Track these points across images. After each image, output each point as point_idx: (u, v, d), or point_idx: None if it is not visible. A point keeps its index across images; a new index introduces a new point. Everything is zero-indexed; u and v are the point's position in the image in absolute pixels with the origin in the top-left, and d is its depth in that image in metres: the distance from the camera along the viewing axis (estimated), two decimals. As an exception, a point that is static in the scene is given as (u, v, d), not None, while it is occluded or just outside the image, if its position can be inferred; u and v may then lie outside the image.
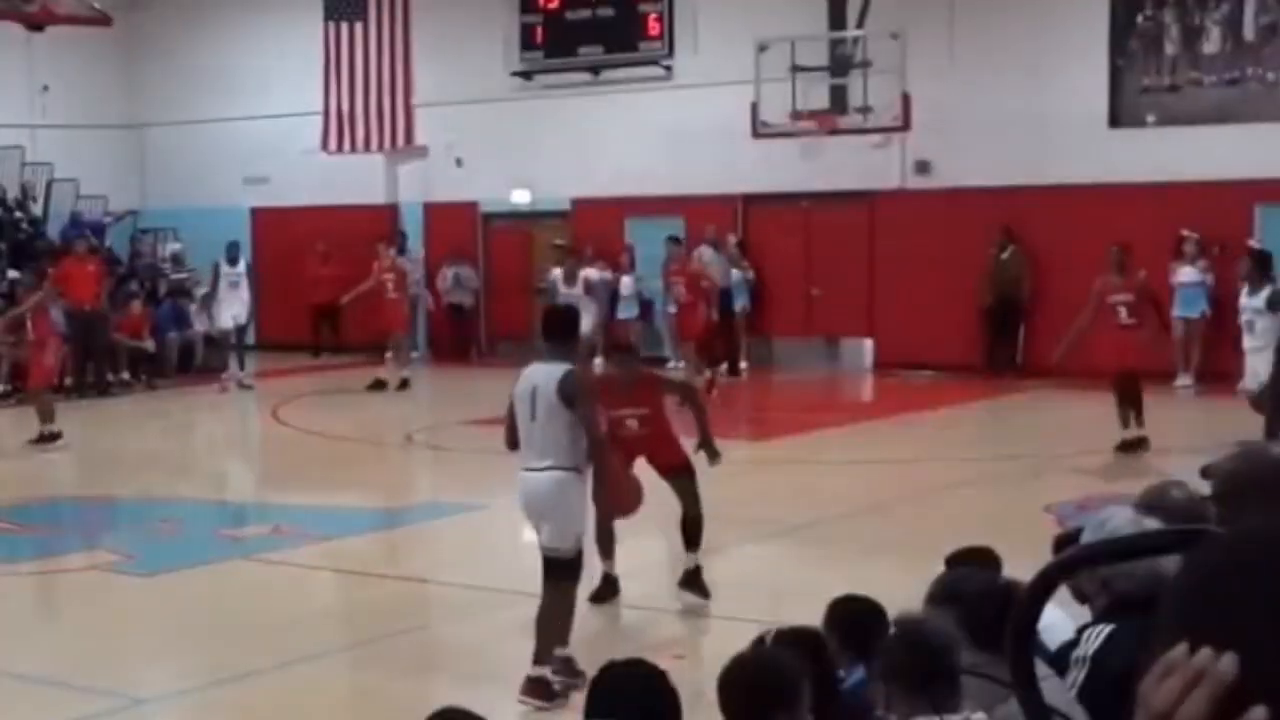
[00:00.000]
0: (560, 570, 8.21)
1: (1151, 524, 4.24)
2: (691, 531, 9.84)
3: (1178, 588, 1.30)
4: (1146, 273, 16.02)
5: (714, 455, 10.03)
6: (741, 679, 4.50)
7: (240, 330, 22.80)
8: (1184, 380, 19.43)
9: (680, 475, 9.84)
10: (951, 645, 4.03)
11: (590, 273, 23.00)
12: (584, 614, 10.13)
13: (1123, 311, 14.80)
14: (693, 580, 9.88)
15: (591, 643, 8.80)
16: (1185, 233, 19.40)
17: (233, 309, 22.56)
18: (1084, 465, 14.69)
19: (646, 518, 12.77)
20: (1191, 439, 14.66)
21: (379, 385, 21.23)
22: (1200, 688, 1.21)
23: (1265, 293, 14.67)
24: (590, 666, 4.75)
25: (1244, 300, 15.04)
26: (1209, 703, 1.21)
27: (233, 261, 23.02)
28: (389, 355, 21.75)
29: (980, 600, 4.26)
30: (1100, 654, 4.12)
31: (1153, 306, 15.95)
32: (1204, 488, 4.59)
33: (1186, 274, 19.54)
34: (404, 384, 21.37)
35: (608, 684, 4.57)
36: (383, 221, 25.86)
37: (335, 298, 25.31)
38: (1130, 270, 15.21)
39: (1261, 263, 15.54)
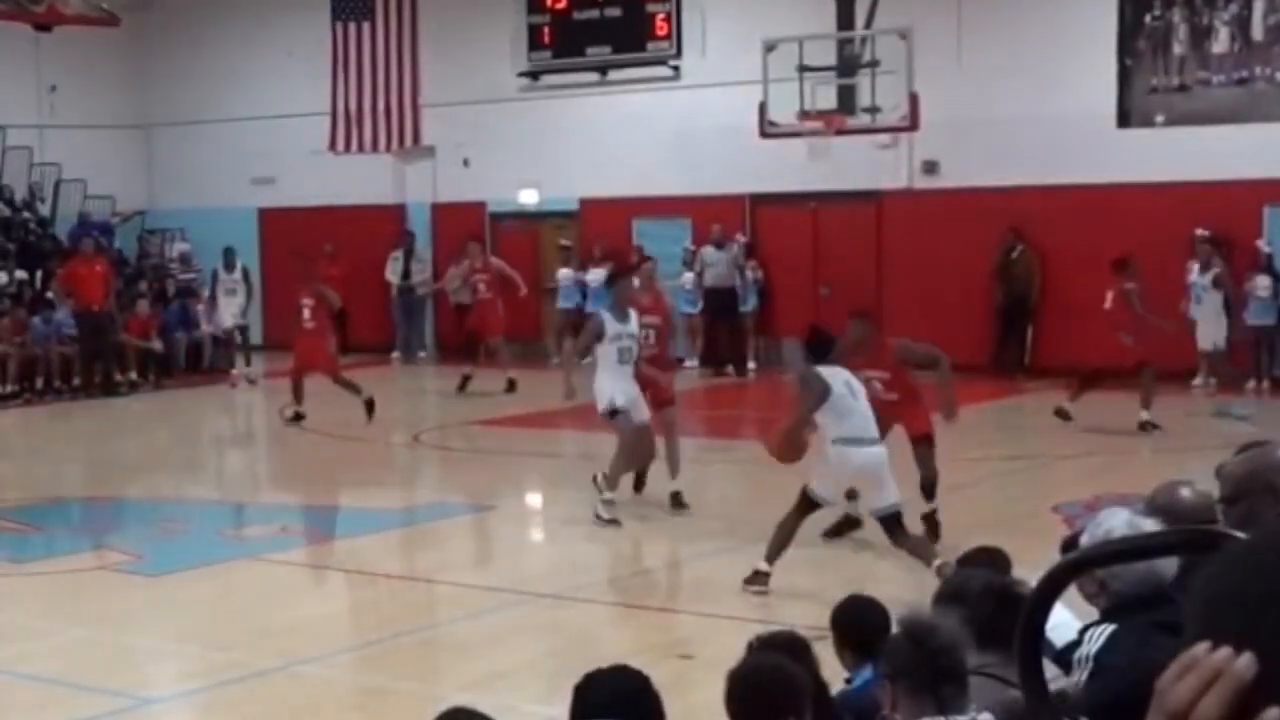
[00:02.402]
0: (898, 518, 9.95)
1: (1149, 525, 4.24)
2: (929, 489, 11.28)
3: (1199, 589, 1.29)
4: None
5: (951, 415, 11.41)
6: (751, 687, 4.48)
7: (241, 330, 23.14)
8: (1200, 380, 19.39)
9: (921, 443, 11.31)
10: (956, 645, 4.02)
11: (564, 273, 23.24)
12: (588, 613, 10.13)
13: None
14: (929, 521, 11.12)
15: (596, 642, 8.80)
16: (1199, 232, 19.36)
17: (230, 311, 22.97)
18: (1092, 465, 14.67)
19: (651, 520, 12.78)
20: (1207, 437, 14.64)
21: (512, 386, 20.58)
22: (1217, 687, 1.21)
23: (1213, 273, 18.10)
24: (595, 665, 4.72)
25: (1195, 278, 18.29)
26: (1225, 702, 1.20)
27: (229, 267, 23.34)
28: (491, 357, 21.22)
29: (983, 599, 4.25)
30: (1102, 654, 4.12)
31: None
32: (1216, 488, 4.58)
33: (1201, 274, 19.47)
34: (511, 386, 20.51)
35: (591, 690, 4.54)
36: (390, 222, 25.89)
37: (342, 298, 25.31)
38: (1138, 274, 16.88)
39: (1218, 245, 18.31)
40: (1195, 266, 18.48)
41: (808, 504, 9.98)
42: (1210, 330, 18.33)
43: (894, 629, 4.78)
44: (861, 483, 10.11)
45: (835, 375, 10.02)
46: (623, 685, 4.55)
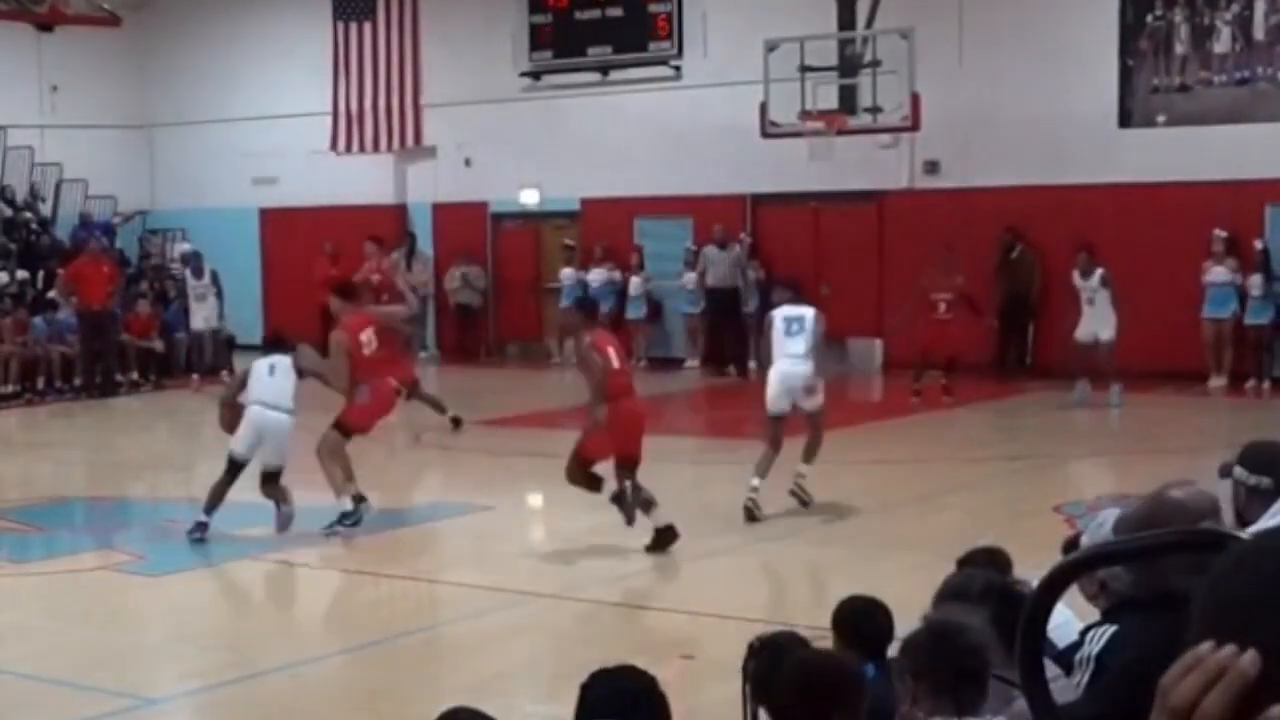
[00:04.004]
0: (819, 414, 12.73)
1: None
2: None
3: (1203, 589, 1.29)
4: (964, 277, 19.26)
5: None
6: (808, 676, 4.44)
7: (214, 334, 22.91)
8: (1217, 381, 19.38)
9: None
10: (983, 647, 4.00)
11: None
12: (589, 613, 10.13)
13: (941, 306, 18.90)
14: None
15: (598, 642, 8.79)
16: (1218, 231, 19.35)
17: (202, 315, 22.82)
18: (1093, 465, 14.67)
19: (646, 516, 12.76)
20: (1220, 438, 14.62)
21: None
22: (1221, 684, 1.21)
23: (1098, 275, 18.34)
24: (595, 665, 4.71)
25: (1079, 283, 18.53)
26: (1229, 699, 1.20)
27: (198, 274, 23.18)
28: None
29: (983, 600, 4.24)
30: (1103, 654, 4.11)
31: (968, 304, 19.41)
32: (1219, 488, 4.57)
33: (1217, 274, 19.43)
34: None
35: (597, 691, 4.53)
36: (392, 222, 25.88)
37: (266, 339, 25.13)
38: (953, 273, 19.09)
39: (1093, 255, 18.66)
40: (1076, 274, 18.56)
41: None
42: (1094, 325, 18.24)
43: (902, 627, 4.77)
44: (794, 391, 12.59)
45: (790, 312, 12.95)
46: (629, 685, 4.53)
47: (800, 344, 12.60)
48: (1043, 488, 13.56)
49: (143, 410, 20.97)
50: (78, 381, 21.59)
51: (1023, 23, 20.85)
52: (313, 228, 25.67)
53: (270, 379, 12.37)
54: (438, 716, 4.36)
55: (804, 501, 12.62)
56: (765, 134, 20.74)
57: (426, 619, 10.39)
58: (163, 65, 27.93)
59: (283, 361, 12.55)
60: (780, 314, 12.96)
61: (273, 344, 13.11)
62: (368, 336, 12.68)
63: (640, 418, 11.63)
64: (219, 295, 23.33)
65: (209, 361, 23.96)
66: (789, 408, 12.59)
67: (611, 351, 11.55)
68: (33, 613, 10.37)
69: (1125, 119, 20.43)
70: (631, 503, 11.29)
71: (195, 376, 22.69)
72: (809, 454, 12.68)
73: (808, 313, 12.90)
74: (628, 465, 11.27)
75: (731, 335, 22.92)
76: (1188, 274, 19.48)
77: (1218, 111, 19.85)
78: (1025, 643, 1.60)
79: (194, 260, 23.47)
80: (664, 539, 11.29)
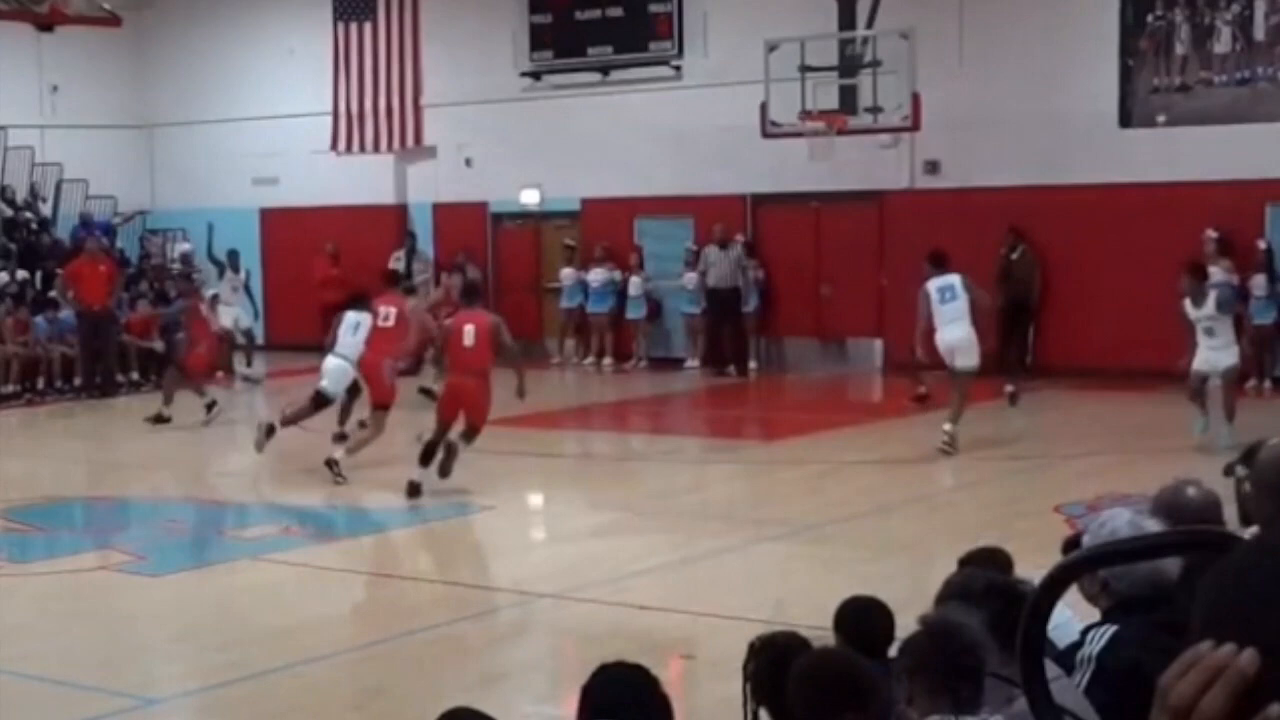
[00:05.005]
0: (971, 376, 15.07)
1: (1151, 525, 4.23)
2: None
3: (1204, 589, 1.29)
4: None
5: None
6: (821, 674, 4.43)
7: (247, 331, 23.32)
8: (1213, 381, 19.32)
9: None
10: (978, 645, 4.00)
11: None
12: (591, 613, 10.13)
13: None
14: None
15: (598, 642, 8.79)
16: (1210, 232, 19.33)
17: (232, 315, 23.25)
18: (1094, 465, 14.65)
19: (651, 519, 12.79)
20: (1215, 438, 14.62)
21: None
22: (1220, 683, 1.21)
23: (1212, 299, 15.46)
24: (595, 665, 4.71)
25: (1194, 313, 15.51)
26: (1228, 698, 1.20)
27: (236, 269, 23.56)
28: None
29: (985, 599, 4.24)
30: (1104, 654, 4.11)
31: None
32: (1219, 487, 4.58)
33: (1212, 274, 19.38)
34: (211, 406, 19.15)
35: (600, 686, 4.53)
36: (392, 221, 25.90)
37: (344, 298, 25.32)
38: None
39: (1201, 277, 15.93)
40: (1186, 303, 15.72)
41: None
42: (1216, 354, 15.74)
43: (903, 627, 4.77)
44: (953, 347, 15.00)
45: (945, 281, 15.05)
46: (630, 683, 4.53)
47: (956, 310, 14.69)
48: (1043, 488, 13.56)
49: (143, 410, 20.89)
50: (78, 381, 21.60)
51: (1023, 22, 20.85)
52: (313, 228, 25.68)
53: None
54: (438, 717, 4.36)
55: (948, 452, 14.80)
56: (765, 134, 20.74)
57: (426, 619, 10.37)
58: (163, 65, 27.94)
59: (365, 319, 14.84)
60: (933, 285, 14.84)
61: (353, 303, 15.45)
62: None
63: (461, 392, 13.49)
64: (249, 294, 23.77)
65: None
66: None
67: (469, 329, 13.39)
68: (33, 613, 10.36)
69: (1125, 119, 20.43)
70: (444, 458, 13.47)
71: (219, 373, 22.82)
72: (955, 415, 14.89)
73: (955, 280, 14.85)
74: (447, 429, 13.58)
75: (732, 335, 22.93)
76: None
77: (1218, 111, 19.85)
78: (1026, 642, 1.60)
79: (232, 256, 23.86)
80: (412, 489, 13.50)
